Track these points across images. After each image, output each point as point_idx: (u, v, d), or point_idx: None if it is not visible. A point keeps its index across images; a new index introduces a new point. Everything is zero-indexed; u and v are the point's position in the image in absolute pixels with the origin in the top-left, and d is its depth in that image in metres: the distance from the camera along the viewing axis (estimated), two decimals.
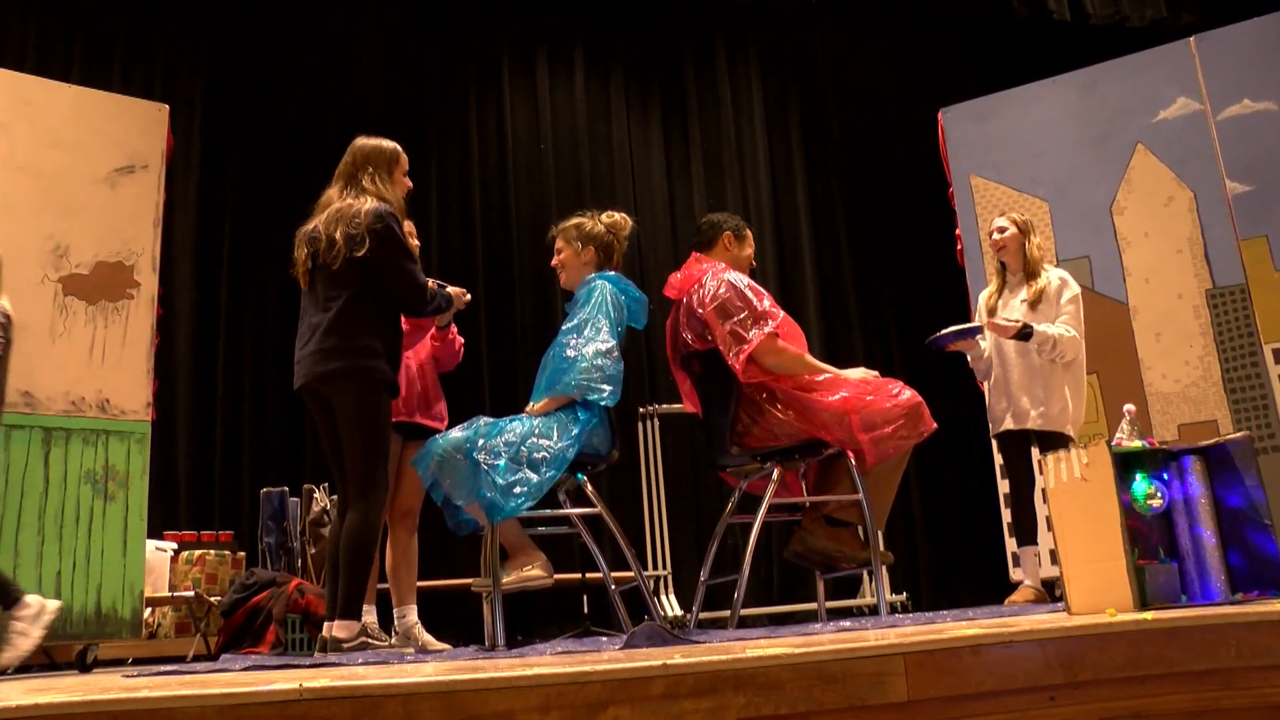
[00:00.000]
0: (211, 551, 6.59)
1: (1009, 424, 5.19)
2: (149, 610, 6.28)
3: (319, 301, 4.18)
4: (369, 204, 4.18)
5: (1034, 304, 5.20)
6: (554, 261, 4.77)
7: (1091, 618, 2.61)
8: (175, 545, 6.58)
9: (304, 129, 8.15)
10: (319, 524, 6.29)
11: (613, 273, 4.61)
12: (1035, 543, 5.20)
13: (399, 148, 4.45)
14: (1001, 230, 5.37)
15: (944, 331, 5.21)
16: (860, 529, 4.71)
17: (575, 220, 4.75)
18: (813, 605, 5.31)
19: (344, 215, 4.17)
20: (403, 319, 4.47)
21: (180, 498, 7.31)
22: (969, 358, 5.42)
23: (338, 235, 4.11)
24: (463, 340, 5.11)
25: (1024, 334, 5.07)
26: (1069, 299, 5.18)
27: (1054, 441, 5.02)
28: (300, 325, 4.28)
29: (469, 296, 4.73)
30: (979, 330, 5.26)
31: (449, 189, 8.60)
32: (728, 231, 4.93)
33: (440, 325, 4.91)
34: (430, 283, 4.56)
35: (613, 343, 4.34)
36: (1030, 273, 5.30)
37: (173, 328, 7.38)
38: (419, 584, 4.85)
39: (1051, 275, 5.26)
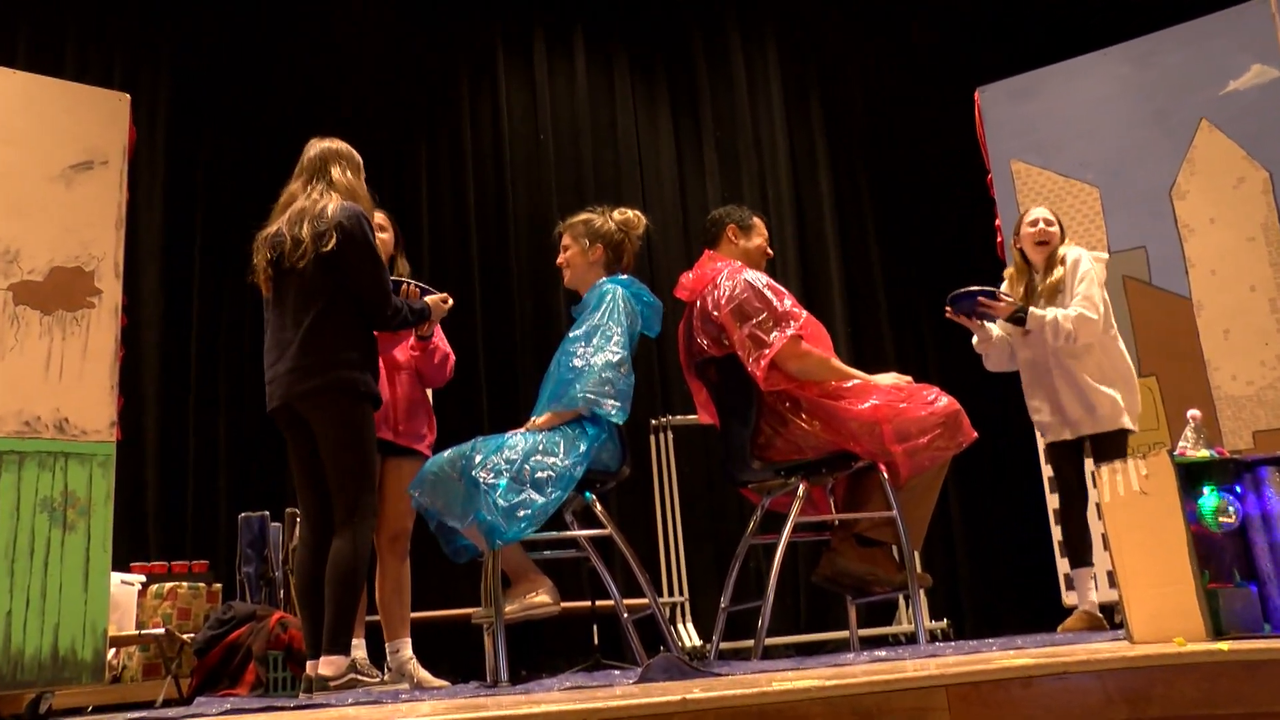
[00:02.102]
0: (184, 584, 6.54)
1: (1065, 434, 5.12)
2: (113, 651, 6.23)
3: (288, 313, 4.17)
4: (336, 201, 4.18)
5: (1052, 297, 5.10)
6: (559, 260, 4.77)
7: (1157, 647, 2.56)
8: (143, 578, 6.53)
9: (280, 120, 8.14)
10: None
11: (625, 276, 4.62)
12: (1090, 563, 5.13)
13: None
14: (1049, 223, 5.25)
15: (962, 290, 5.10)
16: (895, 549, 4.72)
17: (584, 216, 4.77)
18: (844, 633, 5.32)
19: (309, 213, 4.17)
20: None
21: (149, 525, 7.28)
22: (974, 339, 5.32)
23: (304, 234, 4.11)
24: (453, 357, 5.05)
25: (1018, 317, 4.99)
26: (1080, 277, 5.04)
27: (1111, 442, 4.94)
28: (267, 339, 4.28)
29: (450, 302, 4.69)
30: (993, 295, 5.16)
31: (440, 185, 8.60)
32: (730, 225, 4.96)
33: (421, 335, 4.87)
34: (411, 285, 4.54)
35: (624, 354, 4.35)
36: (1051, 268, 5.18)
37: (139, 339, 7.36)
38: (413, 615, 4.83)
39: (1067, 259, 5.13)
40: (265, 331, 4.29)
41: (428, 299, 4.58)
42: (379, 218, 4.85)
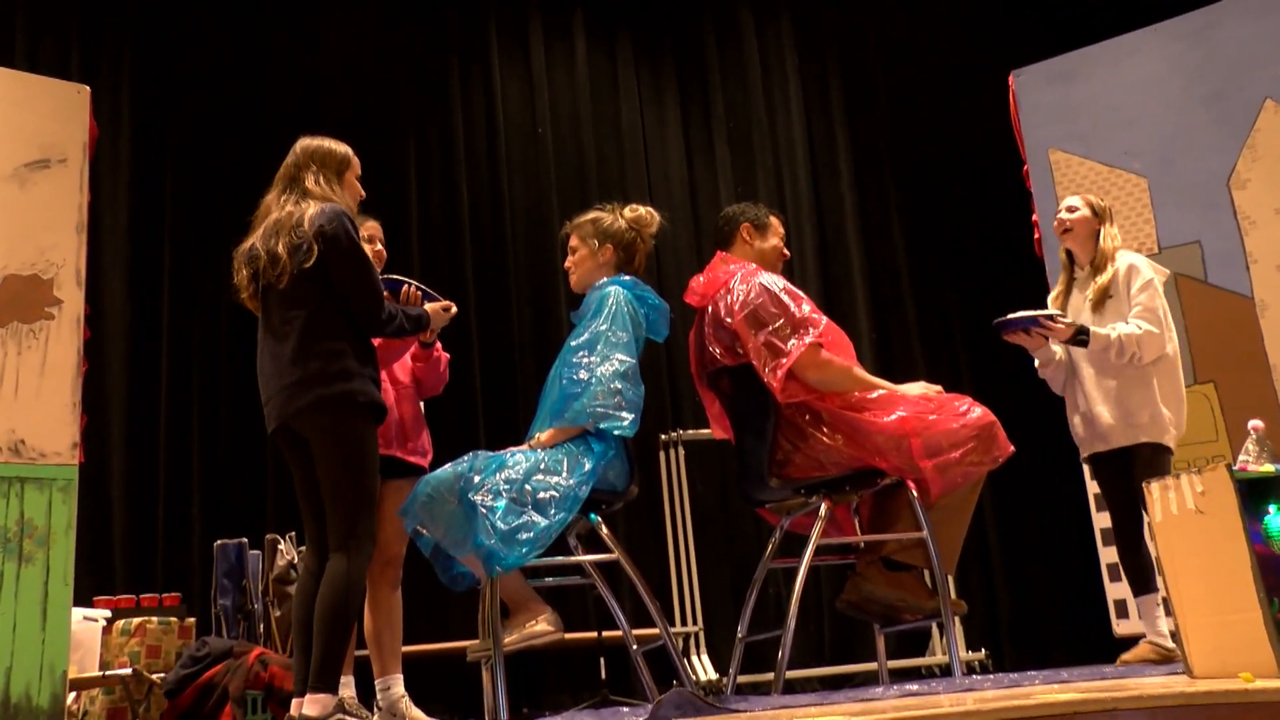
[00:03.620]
0: (154, 619, 6.50)
1: (1097, 445, 5.07)
2: (73, 695, 6.19)
3: (275, 328, 4.16)
4: (313, 208, 4.15)
5: (1099, 303, 5.05)
6: (567, 262, 4.79)
7: (1220, 683, 2.51)
8: (108, 613, 6.49)
9: (255, 112, 8.14)
10: (285, 581, 6.25)
11: (628, 278, 4.62)
12: (1155, 588, 5.06)
13: (351, 152, 4.45)
14: (1071, 210, 5.23)
15: (1013, 315, 5.08)
16: (926, 573, 4.70)
17: (593, 214, 4.79)
18: (872, 665, 5.31)
19: (284, 225, 4.14)
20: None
21: (115, 555, 7.25)
22: (1036, 362, 5.30)
23: (280, 249, 4.09)
24: (448, 356, 5.07)
25: (1079, 339, 4.95)
26: (1140, 287, 4.99)
27: (1150, 457, 4.89)
28: (260, 359, 4.26)
29: (454, 310, 4.66)
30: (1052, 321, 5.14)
31: (430, 184, 8.60)
32: (744, 223, 4.98)
33: (424, 342, 4.85)
34: (412, 286, 4.51)
35: (632, 361, 4.36)
36: (1098, 267, 5.14)
37: (103, 352, 7.34)
38: (404, 649, 4.81)
39: (1120, 263, 5.09)
40: (258, 351, 4.27)
41: (429, 305, 4.54)
42: (371, 226, 4.86)
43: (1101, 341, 4.91)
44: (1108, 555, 6.48)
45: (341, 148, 4.41)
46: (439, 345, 4.99)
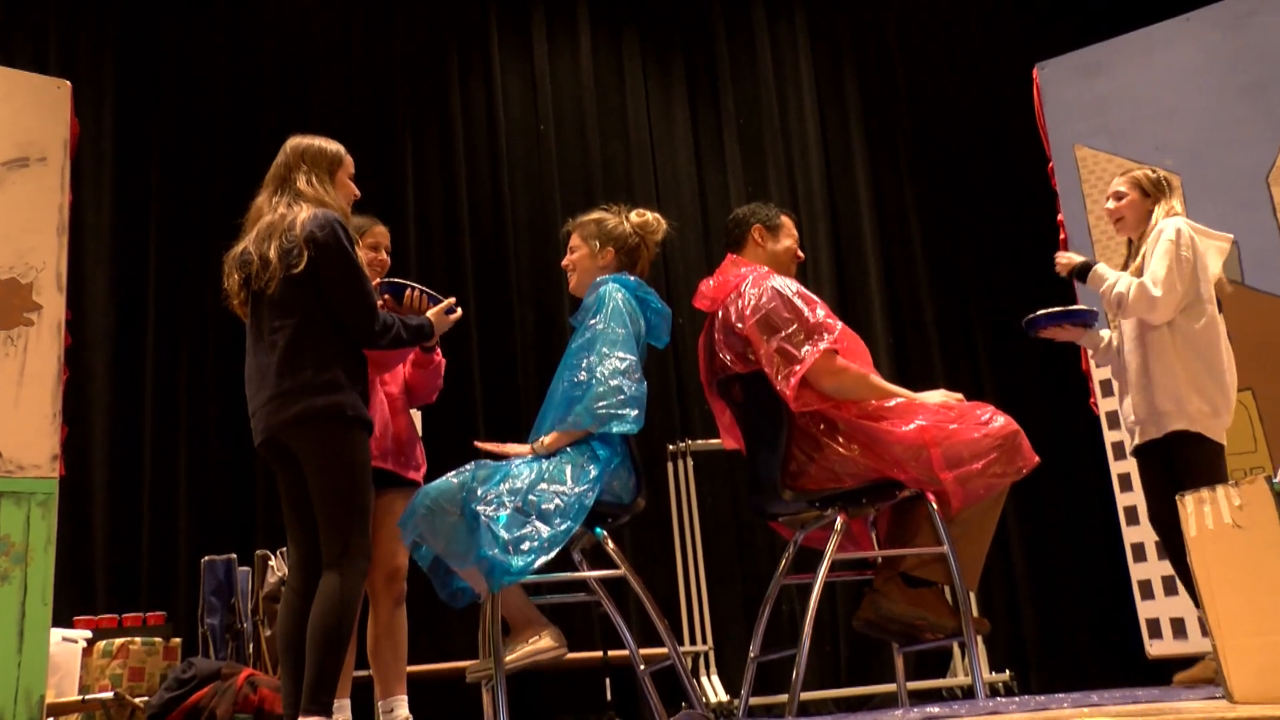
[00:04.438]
0: (137, 639, 6.49)
1: (1135, 438, 5.06)
2: None
3: (264, 337, 4.18)
4: (306, 211, 4.16)
5: (1139, 274, 4.99)
6: (565, 261, 4.81)
7: (1264, 709, 2.48)
8: (89, 634, 6.48)
9: (244, 108, 8.16)
10: (276, 599, 6.24)
11: (631, 277, 4.63)
12: None
13: (343, 150, 4.46)
14: (1118, 197, 5.19)
15: (1043, 312, 5.07)
16: (947, 590, 4.68)
17: (597, 215, 4.80)
18: (891, 687, 5.29)
19: (276, 228, 4.16)
20: None
21: (97, 573, 7.25)
22: (1089, 354, 5.28)
23: (271, 253, 4.11)
24: (444, 361, 5.08)
25: (1080, 271, 4.92)
26: (1160, 245, 4.91)
27: (1182, 449, 4.84)
28: (247, 368, 4.27)
29: (458, 312, 4.64)
30: (1088, 315, 5.11)
31: (428, 184, 8.61)
32: (756, 225, 4.97)
33: (425, 347, 4.85)
34: (416, 290, 4.50)
35: (633, 359, 4.35)
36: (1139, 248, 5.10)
37: (85, 360, 7.35)
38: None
39: (1162, 230, 4.97)
40: (246, 360, 4.28)
41: (430, 312, 4.52)
42: (379, 233, 4.87)
43: (1097, 281, 4.91)
44: (1139, 571, 6.45)
45: (333, 146, 4.42)
46: (439, 350, 4.99)
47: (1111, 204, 5.20)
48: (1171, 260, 4.85)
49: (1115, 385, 5.25)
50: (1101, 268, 4.96)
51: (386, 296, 4.55)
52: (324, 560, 4.03)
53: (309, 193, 4.24)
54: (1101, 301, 4.96)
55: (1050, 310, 5.09)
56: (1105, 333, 5.22)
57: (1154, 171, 5.22)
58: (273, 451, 4.18)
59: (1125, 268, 5.15)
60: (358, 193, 4.47)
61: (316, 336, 4.09)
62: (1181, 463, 4.79)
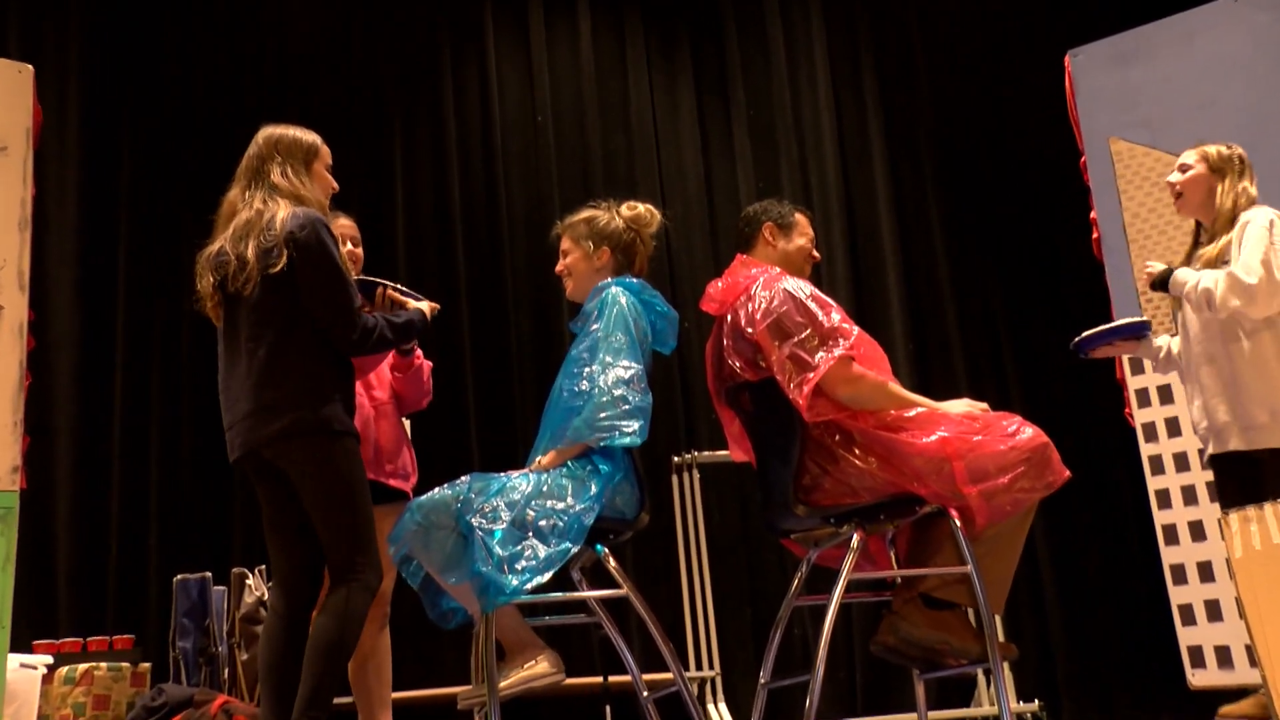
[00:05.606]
0: (103, 665, 6.48)
1: (1212, 445, 5.04)
2: None
3: (241, 345, 4.18)
4: (284, 209, 4.18)
5: (1216, 267, 4.95)
6: (559, 267, 4.83)
7: None
8: (49, 659, 6.46)
9: (221, 96, 8.17)
10: (253, 620, 6.25)
11: (634, 280, 4.64)
12: None
13: (320, 140, 4.47)
14: (1183, 169, 5.13)
15: (1090, 332, 5.09)
16: (971, 613, 4.66)
17: (586, 214, 4.81)
18: (911, 716, 5.27)
19: (254, 226, 4.17)
20: None
21: (59, 593, 7.26)
22: (1149, 366, 5.28)
23: (249, 253, 4.12)
24: (430, 365, 5.08)
25: (1160, 282, 4.91)
26: (1252, 232, 4.84)
27: (1277, 468, 4.82)
28: (221, 378, 4.28)
29: (437, 309, 4.65)
30: (1139, 327, 5.12)
31: (419, 180, 8.64)
32: (768, 223, 4.97)
33: (402, 351, 4.86)
34: (388, 288, 4.50)
35: (637, 367, 4.37)
36: (1214, 234, 5.04)
37: (49, 364, 7.37)
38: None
39: (1250, 221, 4.91)
40: (219, 368, 4.28)
41: (411, 306, 4.52)
42: (344, 225, 4.88)
43: (1178, 287, 4.86)
44: (1179, 594, 6.39)
45: (309, 136, 4.44)
46: (419, 353, 5.01)
47: (1176, 176, 5.15)
48: (1267, 248, 4.79)
49: (1184, 389, 5.21)
50: (1181, 272, 4.90)
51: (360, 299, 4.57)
52: (330, 576, 4.06)
53: (284, 186, 4.25)
54: (1189, 301, 4.90)
55: (1098, 329, 5.10)
56: (1162, 340, 5.21)
57: (1228, 147, 5.15)
58: (253, 466, 4.18)
59: (1189, 260, 5.14)
60: (335, 185, 4.48)
61: (299, 344, 4.11)
62: (1267, 481, 4.78)
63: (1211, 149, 5.15)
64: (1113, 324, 5.12)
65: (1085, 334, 5.10)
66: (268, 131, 4.39)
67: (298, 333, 4.11)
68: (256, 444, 4.09)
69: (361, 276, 4.62)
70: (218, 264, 4.21)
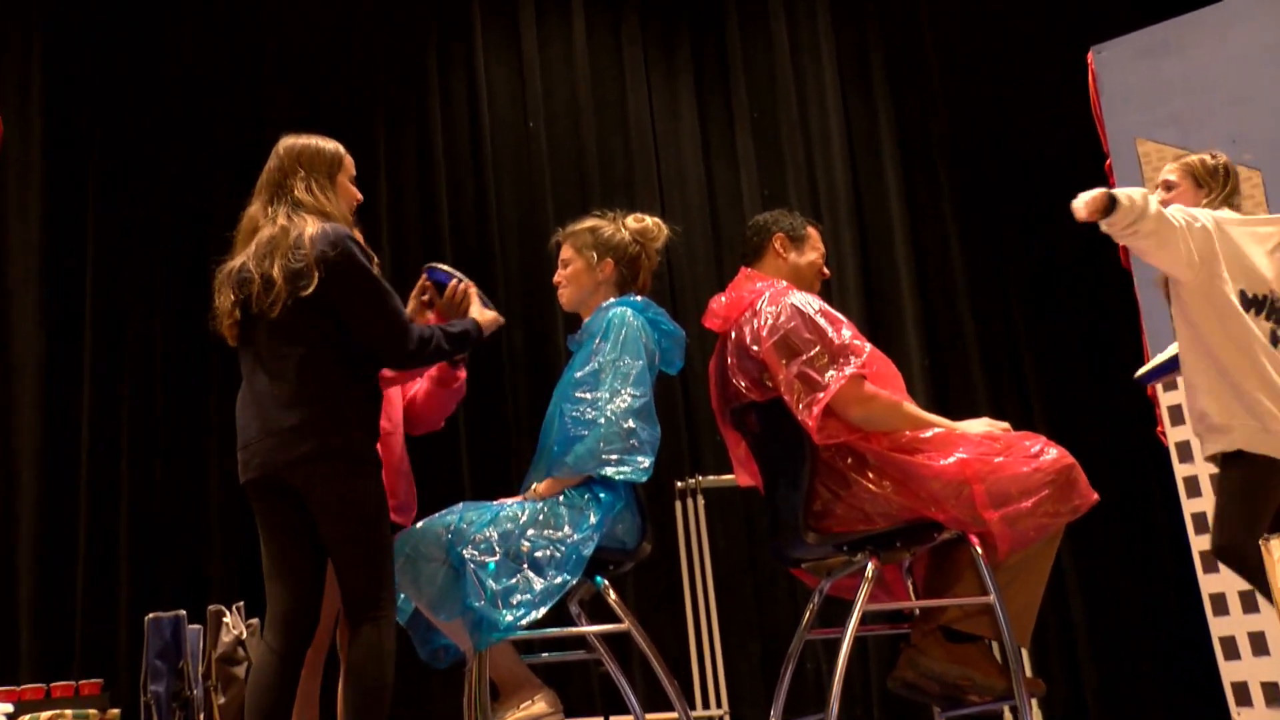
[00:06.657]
0: (68, 711, 6.46)
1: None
2: None
3: (262, 363, 4.18)
4: (312, 226, 4.17)
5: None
6: (557, 276, 4.83)
7: None
8: (10, 707, 6.44)
9: (195, 102, 8.15)
10: (231, 660, 6.23)
11: (640, 299, 4.65)
12: None
13: (342, 149, 4.47)
14: (1167, 187, 5.03)
15: (1146, 369, 5.09)
16: (994, 646, 4.67)
17: (590, 223, 4.83)
18: None
19: (279, 244, 4.16)
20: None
21: (22, 634, 7.23)
22: (1182, 382, 5.26)
23: (275, 272, 4.11)
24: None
25: (1106, 208, 4.67)
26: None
27: (1223, 473, 4.73)
28: (241, 398, 4.28)
29: (500, 321, 4.60)
30: None
31: (405, 187, 8.63)
32: (779, 233, 4.97)
33: (453, 362, 4.85)
34: (462, 284, 4.51)
35: (647, 397, 4.38)
36: None
37: (11, 390, 7.38)
38: None
39: None
40: (241, 389, 4.28)
41: (479, 315, 4.49)
42: None
43: (1124, 208, 4.61)
44: (1220, 626, 6.29)
45: (331, 145, 4.43)
46: (464, 366, 4.97)
47: (1160, 194, 4.98)
48: (1191, 224, 4.66)
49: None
50: (1120, 191, 4.64)
51: (428, 282, 4.56)
52: (348, 613, 4.07)
53: (308, 201, 4.25)
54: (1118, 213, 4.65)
55: (1158, 362, 5.09)
56: None
57: (1214, 158, 5.03)
58: (265, 490, 4.17)
59: None
60: (360, 196, 4.49)
61: (327, 366, 4.12)
62: (1222, 488, 4.70)
63: (1195, 159, 5.03)
64: (1169, 357, 5.09)
65: (1144, 369, 5.11)
66: (289, 143, 4.38)
67: (325, 355, 4.12)
68: (275, 466, 4.09)
69: (436, 264, 4.62)
70: (240, 281, 4.19)
